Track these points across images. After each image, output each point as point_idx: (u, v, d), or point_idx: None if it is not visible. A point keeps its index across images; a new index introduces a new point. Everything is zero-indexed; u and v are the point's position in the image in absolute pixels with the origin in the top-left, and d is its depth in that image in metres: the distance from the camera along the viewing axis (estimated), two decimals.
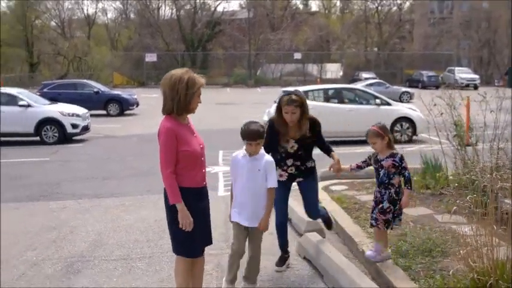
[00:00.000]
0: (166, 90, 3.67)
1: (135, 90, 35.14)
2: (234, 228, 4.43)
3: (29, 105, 15.34)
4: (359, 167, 4.84)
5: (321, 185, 7.97)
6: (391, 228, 4.67)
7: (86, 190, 8.97)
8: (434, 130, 7.03)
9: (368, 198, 6.64)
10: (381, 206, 4.55)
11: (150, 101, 25.78)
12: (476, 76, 44.97)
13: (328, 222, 5.45)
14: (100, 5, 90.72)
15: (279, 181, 4.46)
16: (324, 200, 7.10)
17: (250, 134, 4.21)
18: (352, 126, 13.10)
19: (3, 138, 15.16)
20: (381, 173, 4.57)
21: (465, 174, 6.09)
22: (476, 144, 6.70)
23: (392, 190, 4.53)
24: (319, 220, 5.53)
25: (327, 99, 14.63)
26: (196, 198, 3.76)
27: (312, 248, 5.18)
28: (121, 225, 6.75)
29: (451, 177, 7.01)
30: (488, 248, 3.76)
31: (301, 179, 4.97)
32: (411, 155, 9.11)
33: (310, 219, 5.56)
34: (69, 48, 51.10)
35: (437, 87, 34.26)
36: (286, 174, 4.90)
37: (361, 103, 14.46)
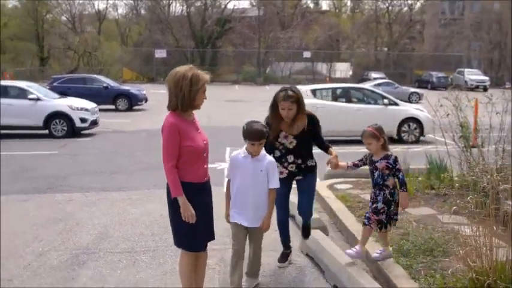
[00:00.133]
0: (171, 87, 3.72)
1: (144, 85, 35.21)
2: (233, 227, 4.38)
3: (38, 99, 15.46)
4: (355, 165, 4.86)
5: (325, 183, 8.02)
6: (386, 230, 4.66)
7: (93, 183, 9.06)
8: (440, 131, 7.05)
9: None
10: (374, 206, 4.58)
11: (158, 97, 25.82)
12: (486, 78, 44.66)
13: (307, 231, 5.22)
14: (111, 1, 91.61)
15: (279, 178, 4.42)
16: (329, 198, 7.15)
17: (253, 134, 4.14)
18: (359, 126, 12.96)
19: (12, 132, 15.32)
20: (376, 174, 4.60)
21: (470, 176, 6.11)
22: (482, 146, 6.71)
23: (387, 191, 4.55)
24: (303, 222, 5.25)
25: (335, 98, 14.71)
26: (198, 193, 3.80)
27: (314, 245, 5.22)
28: (127, 219, 6.82)
29: (455, 178, 7.03)
30: (487, 248, 3.79)
31: (300, 177, 4.92)
32: (417, 155, 9.19)
33: (313, 217, 5.57)
34: (79, 43, 51.28)
35: (446, 89, 34.10)
36: (287, 171, 4.85)
37: (369, 103, 14.51)
